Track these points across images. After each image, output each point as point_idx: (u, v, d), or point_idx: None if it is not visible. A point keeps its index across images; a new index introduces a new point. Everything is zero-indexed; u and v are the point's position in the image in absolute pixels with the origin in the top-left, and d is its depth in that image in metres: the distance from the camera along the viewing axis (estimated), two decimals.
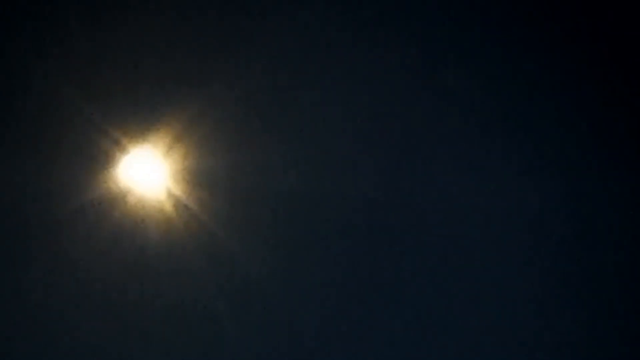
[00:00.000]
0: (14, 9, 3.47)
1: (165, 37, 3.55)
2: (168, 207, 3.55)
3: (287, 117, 3.66)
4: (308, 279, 3.65)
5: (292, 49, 3.64)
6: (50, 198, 3.47)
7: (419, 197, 3.72)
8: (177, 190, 3.56)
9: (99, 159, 3.51)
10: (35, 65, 3.46)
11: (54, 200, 3.46)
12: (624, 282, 3.66)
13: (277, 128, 3.65)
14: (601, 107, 3.74)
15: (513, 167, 3.74)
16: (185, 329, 3.55)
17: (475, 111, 3.72)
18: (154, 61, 3.56)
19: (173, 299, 3.55)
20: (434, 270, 3.70)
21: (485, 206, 3.69)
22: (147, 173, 3.57)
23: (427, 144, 3.75)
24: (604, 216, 3.69)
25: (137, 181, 3.57)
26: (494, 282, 3.69)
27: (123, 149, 3.53)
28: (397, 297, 3.67)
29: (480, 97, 3.71)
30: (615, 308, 3.65)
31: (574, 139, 3.72)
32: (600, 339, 3.61)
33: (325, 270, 3.65)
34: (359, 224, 3.66)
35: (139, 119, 3.52)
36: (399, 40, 3.70)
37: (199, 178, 3.56)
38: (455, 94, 3.68)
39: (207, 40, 3.59)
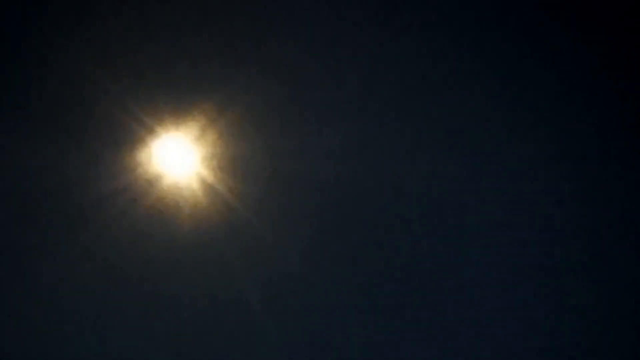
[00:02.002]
0: None
1: (197, 21, 3.53)
2: (199, 192, 3.51)
3: (319, 103, 3.62)
4: (339, 265, 3.58)
5: (325, 34, 3.62)
6: (82, 183, 3.45)
7: (453, 185, 3.64)
8: (208, 176, 3.51)
9: (131, 145, 3.48)
10: (65, 48, 3.45)
11: (85, 186, 3.44)
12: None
13: (309, 113, 3.61)
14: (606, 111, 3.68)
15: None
16: (216, 314, 3.49)
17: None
18: (186, 46, 3.53)
19: (204, 284, 3.49)
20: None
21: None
22: (178, 159, 3.53)
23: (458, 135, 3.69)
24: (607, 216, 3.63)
25: (168, 167, 3.53)
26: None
27: (154, 135, 3.50)
28: (431, 286, 3.59)
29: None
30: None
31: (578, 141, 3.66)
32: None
33: (356, 256, 3.59)
34: (389, 212, 3.60)
35: (171, 104, 3.49)
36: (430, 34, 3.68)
37: (230, 164, 3.52)
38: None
39: (240, 23, 3.56)
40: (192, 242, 3.49)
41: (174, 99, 3.49)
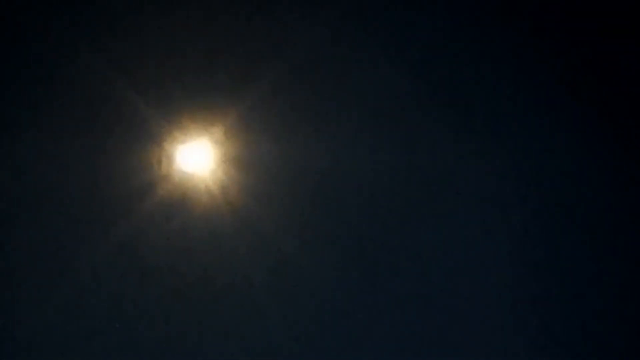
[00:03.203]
0: None
1: (210, 20, 3.61)
2: (211, 190, 3.60)
3: (329, 101, 3.71)
4: (349, 261, 3.71)
5: (335, 33, 3.69)
6: (95, 182, 3.54)
7: (463, 179, 3.80)
8: (220, 174, 3.62)
9: (144, 143, 3.57)
10: (80, 47, 3.51)
11: (104, 187, 3.53)
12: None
13: (320, 111, 3.71)
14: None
15: None
16: (232, 307, 3.62)
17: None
18: (198, 45, 3.60)
19: (220, 281, 3.62)
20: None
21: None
22: (191, 157, 3.63)
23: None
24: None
25: (181, 165, 3.61)
26: None
27: (167, 133, 3.58)
28: (431, 274, 3.76)
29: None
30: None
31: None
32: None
33: (366, 251, 3.73)
34: (397, 207, 3.73)
35: (184, 103, 3.58)
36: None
37: (241, 162, 3.62)
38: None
39: (254, 22, 3.63)
40: (204, 239, 3.60)
41: (186, 97, 3.57)
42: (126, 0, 3.55)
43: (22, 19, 3.49)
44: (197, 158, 3.64)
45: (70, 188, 3.50)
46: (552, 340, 3.65)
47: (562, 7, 3.75)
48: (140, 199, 3.52)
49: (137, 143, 3.55)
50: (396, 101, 3.76)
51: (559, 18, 3.78)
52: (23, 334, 3.43)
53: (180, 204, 3.58)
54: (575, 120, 3.77)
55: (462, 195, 3.77)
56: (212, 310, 3.63)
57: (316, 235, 3.73)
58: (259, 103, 3.63)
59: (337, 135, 3.72)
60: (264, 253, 3.66)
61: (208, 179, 3.63)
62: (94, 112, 3.53)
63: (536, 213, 3.75)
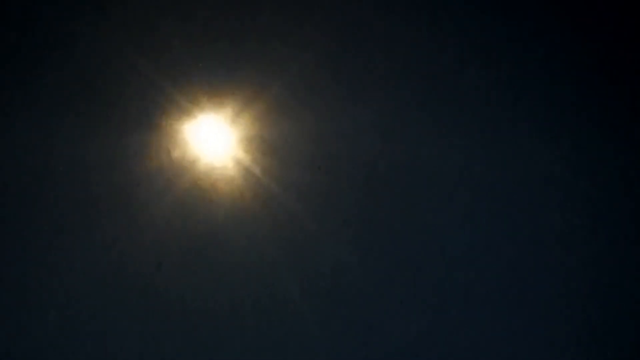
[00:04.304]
0: None
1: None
2: (235, 175, 3.44)
3: (359, 84, 3.54)
4: (373, 245, 3.49)
5: (364, 13, 3.53)
6: (118, 165, 3.37)
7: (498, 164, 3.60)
8: (245, 158, 3.44)
9: (166, 126, 3.42)
10: (97, 26, 3.38)
11: (121, 168, 3.37)
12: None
13: (349, 95, 3.52)
14: None
15: None
16: (253, 293, 3.41)
17: None
18: (223, 23, 3.46)
19: (241, 265, 3.42)
20: None
21: None
22: (215, 141, 3.47)
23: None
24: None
25: (204, 149, 3.46)
26: None
27: (191, 117, 3.43)
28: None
29: None
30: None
31: None
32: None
33: (402, 242, 3.51)
34: (434, 194, 3.53)
35: (207, 84, 3.42)
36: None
37: (266, 145, 3.45)
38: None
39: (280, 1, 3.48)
40: (228, 224, 3.42)
41: (210, 78, 3.42)
42: None
43: None
44: (219, 143, 3.48)
45: (81, 172, 3.33)
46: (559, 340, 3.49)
47: None
48: (156, 185, 3.37)
49: (153, 125, 3.40)
50: (435, 81, 3.60)
51: None
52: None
53: (200, 192, 3.42)
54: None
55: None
56: (234, 294, 3.42)
57: (350, 224, 3.52)
58: (290, 83, 3.46)
59: (373, 117, 3.54)
60: (292, 245, 3.46)
61: (232, 166, 3.47)
62: (106, 93, 3.39)
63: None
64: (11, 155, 3.29)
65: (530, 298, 3.51)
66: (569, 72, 3.64)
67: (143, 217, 3.32)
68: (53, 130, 3.31)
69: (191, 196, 3.39)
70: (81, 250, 3.28)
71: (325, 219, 3.43)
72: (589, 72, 3.65)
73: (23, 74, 3.34)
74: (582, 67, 3.65)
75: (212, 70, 3.41)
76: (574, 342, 3.47)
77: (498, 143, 3.56)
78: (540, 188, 3.57)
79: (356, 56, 3.53)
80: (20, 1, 3.34)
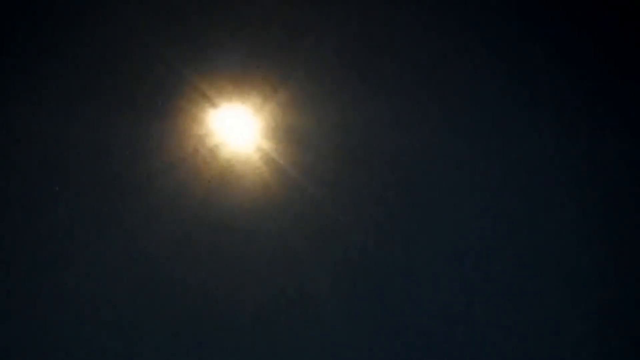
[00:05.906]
0: None
1: None
2: (258, 162, 3.47)
3: (383, 75, 3.54)
4: (394, 234, 3.51)
5: (390, 7, 3.55)
6: (143, 155, 3.41)
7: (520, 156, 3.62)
8: (268, 146, 3.47)
9: (190, 115, 3.44)
10: (122, 14, 3.40)
11: (146, 157, 3.40)
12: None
13: (373, 85, 3.54)
14: None
15: None
16: (275, 278, 3.45)
17: None
18: (247, 13, 3.46)
19: (262, 252, 3.45)
20: None
21: None
22: (238, 129, 3.49)
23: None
24: None
25: (228, 138, 3.49)
26: None
27: (216, 107, 3.45)
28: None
29: None
30: None
31: None
32: None
33: (429, 231, 3.53)
34: (458, 184, 3.54)
35: (231, 74, 3.44)
36: None
37: (289, 134, 3.47)
38: None
39: None
40: (253, 214, 3.45)
41: (234, 68, 3.43)
42: None
43: None
44: (243, 132, 3.50)
45: (108, 160, 3.38)
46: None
47: None
48: (181, 174, 3.40)
49: (178, 115, 3.42)
50: (458, 74, 3.62)
51: None
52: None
53: (224, 181, 3.45)
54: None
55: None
56: (259, 285, 3.47)
57: (372, 212, 3.55)
58: (314, 73, 3.48)
59: (398, 108, 3.55)
60: (314, 231, 3.49)
61: (256, 155, 3.49)
62: (133, 84, 3.42)
63: None
64: (38, 143, 3.33)
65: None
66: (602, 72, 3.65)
67: (168, 207, 3.36)
68: (78, 120, 3.34)
69: (216, 186, 3.42)
70: (106, 239, 3.33)
71: (350, 208, 3.45)
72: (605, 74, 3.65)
73: (50, 63, 3.38)
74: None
75: (236, 59, 3.43)
76: (588, 338, 3.51)
77: (515, 138, 3.59)
78: (557, 186, 3.59)
79: (380, 49, 3.54)
80: None
